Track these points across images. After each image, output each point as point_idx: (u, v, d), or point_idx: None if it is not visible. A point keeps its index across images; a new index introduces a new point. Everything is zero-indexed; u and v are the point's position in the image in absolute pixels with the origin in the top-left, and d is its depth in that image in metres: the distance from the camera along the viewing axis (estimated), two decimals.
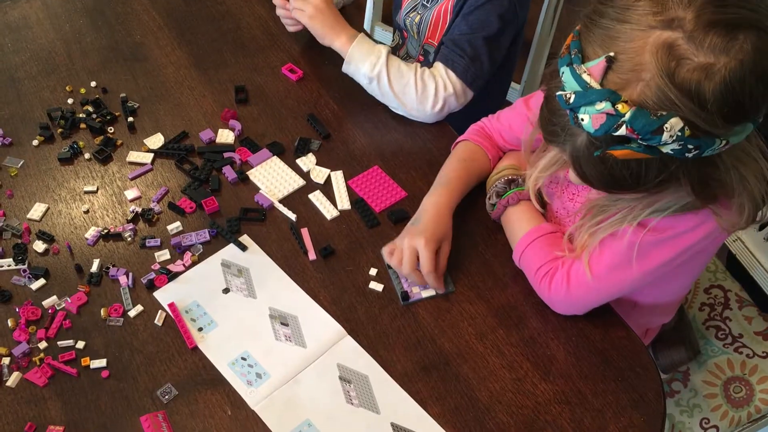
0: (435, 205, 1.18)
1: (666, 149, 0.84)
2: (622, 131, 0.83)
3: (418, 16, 1.54)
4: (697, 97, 0.81)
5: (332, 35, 1.39)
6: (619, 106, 0.82)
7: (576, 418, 1.04)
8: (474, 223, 1.24)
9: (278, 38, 1.52)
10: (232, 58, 1.49)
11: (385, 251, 1.17)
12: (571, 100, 0.85)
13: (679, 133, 0.82)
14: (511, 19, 1.38)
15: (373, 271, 1.18)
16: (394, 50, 1.69)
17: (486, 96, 1.45)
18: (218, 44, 1.52)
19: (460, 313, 1.14)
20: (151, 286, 1.16)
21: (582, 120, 0.85)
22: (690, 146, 0.83)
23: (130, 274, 1.17)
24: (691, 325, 1.47)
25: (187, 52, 1.50)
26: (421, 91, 1.33)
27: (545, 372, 1.08)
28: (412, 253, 1.13)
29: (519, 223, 1.17)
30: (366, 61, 1.35)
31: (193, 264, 1.19)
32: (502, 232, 1.22)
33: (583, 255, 1.07)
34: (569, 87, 0.86)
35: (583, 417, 1.04)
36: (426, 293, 1.16)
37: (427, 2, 1.51)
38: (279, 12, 1.47)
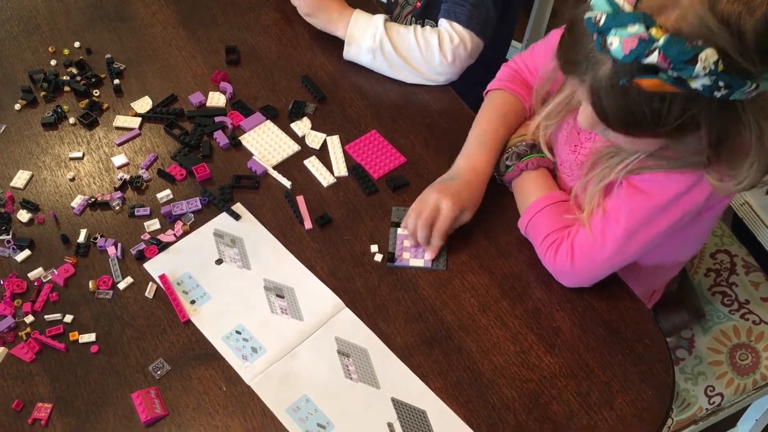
0: (473, 171, 1.13)
1: (696, 84, 0.80)
2: (653, 58, 0.79)
3: None
4: (737, 29, 0.78)
5: (331, 28, 1.35)
6: (653, 31, 0.79)
7: (582, 391, 1.01)
8: None
9: None
10: (222, 17, 1.43)
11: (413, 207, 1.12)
12: (602, 22, 0.82)
13: (713, 66, 0.78)
14: None
15: (372, 241, 1.14)
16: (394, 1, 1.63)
17: (487, 48, 1.39)
18: (207, 1, 1.45)
19: (462, 284, 1.10)
20: (141, 257, 1.12)
21: (611, 44, 0.81)
22: (721, 83, 0.80)
23: (119, 245, 1.13)
24: (693, 288, 1.44)
25: (175, 10, 1.44)
26: (424, 48, 1.28)
27: (550, 344, 1.05)
28: (434, 209, 1.09)
29: (532, 189, 1.13)
30: (366, 34, 1.30)
31: (185, 234, 1.14)
32: (506, 199, 1.17)
33: (587, 223, 1.04)
34: (599, 8, 0.82)
35: (589, 390, 1.01)
36: (414, 262, 1.12)
37: None
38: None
